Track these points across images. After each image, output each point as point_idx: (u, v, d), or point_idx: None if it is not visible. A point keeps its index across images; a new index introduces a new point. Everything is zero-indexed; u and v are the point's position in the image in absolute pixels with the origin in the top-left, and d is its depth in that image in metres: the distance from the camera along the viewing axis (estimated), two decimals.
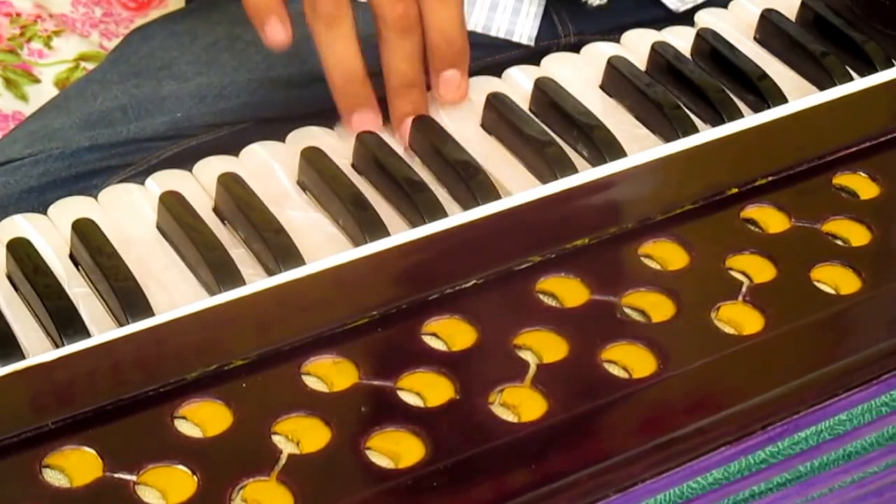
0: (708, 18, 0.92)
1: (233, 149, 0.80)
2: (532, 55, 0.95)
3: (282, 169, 0.78)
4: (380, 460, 0.59)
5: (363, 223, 0.72)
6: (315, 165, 0.76)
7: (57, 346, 0.66)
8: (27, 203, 0.91)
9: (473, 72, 0.88)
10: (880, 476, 0.64)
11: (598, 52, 0.89)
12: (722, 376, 0.64)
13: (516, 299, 0.67)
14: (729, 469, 0.60)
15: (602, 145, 0.79)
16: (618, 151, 0.78)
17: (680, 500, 0.59)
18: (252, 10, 0.79)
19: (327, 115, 0.82)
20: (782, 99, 0.83)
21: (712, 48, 0.87)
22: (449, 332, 0.65)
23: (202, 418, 0.60)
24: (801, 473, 0.61)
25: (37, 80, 1.38)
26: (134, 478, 0.58)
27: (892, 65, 0.87)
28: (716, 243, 0.70)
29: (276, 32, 0.79)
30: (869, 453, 0.63)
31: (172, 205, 0.73)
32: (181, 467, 0.58)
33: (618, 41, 0.91)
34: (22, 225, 0.74)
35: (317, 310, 0.66)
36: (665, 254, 0.69)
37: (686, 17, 0.96)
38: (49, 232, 0.73)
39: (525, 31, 1.01)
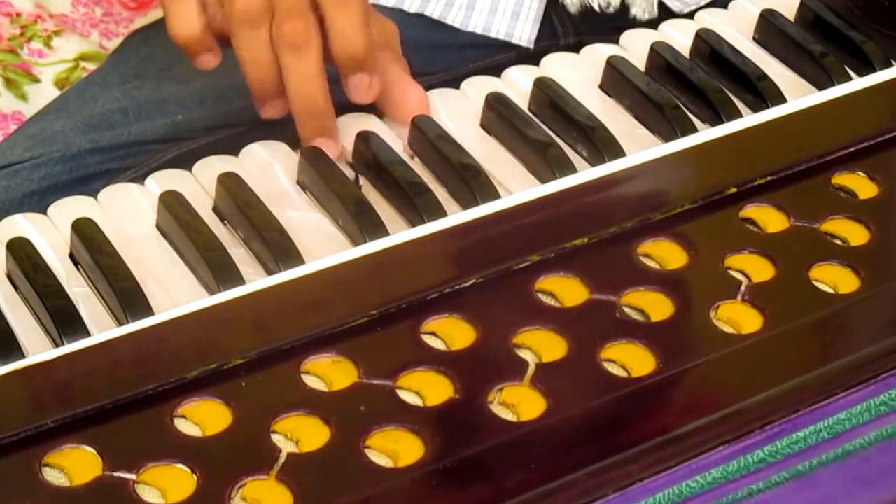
0: (707, 19, 0.92)
1: (234, 150, 0.80)
2: (531, 57, 0.96)
3: (281, 169, 0.78)
4: (379, 459, 0.59)
5: (363, 223, 0.73)
6: (315, 165, 0.76)
7: (57, 346, 0.66)
8: (28, 207, 0.91)
9: (472, 72, 0.88)
10: (878, 474, 0.64)
11: (598, 53, 0.89)
12: (720, 375, 0.64)
13: (516, 298, 0.67)
14: (727, 468, 0.60)
15: (601, 145, 0.79)
16: (617, 151, 0.78)
17: (679, 499, 0.59)
18: (182, 44, 0.80)
19: None
20: (781, 99, 0.83)
21: (711, 48, 0.88)
22: (448, 332, 0.65)
23: (202, 417, 0.60)
24: (798, 471, 0.61)
25: (37, 80, 1.38)
26: (133, 476, 0.58)
27: (891, 65, 0.87)
28: (715, 243, 0.70)
29: (208, 62, 0.80)
30: (866, 451, 0.63)
31: (172, 204, 0.73)
32: (181, 466, 0.58)
33: (617, 42, 0.91)
34: (22, 224, 0.74)
35: (316, 309, 0.66)
36: (664, 253, 0.70)
37: (688, 18, 0.96)
38: (49, 231, 0.74)
39: (524, 34, 1.01)
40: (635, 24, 0.98)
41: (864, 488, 0.62)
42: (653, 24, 0.93)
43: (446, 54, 1.02)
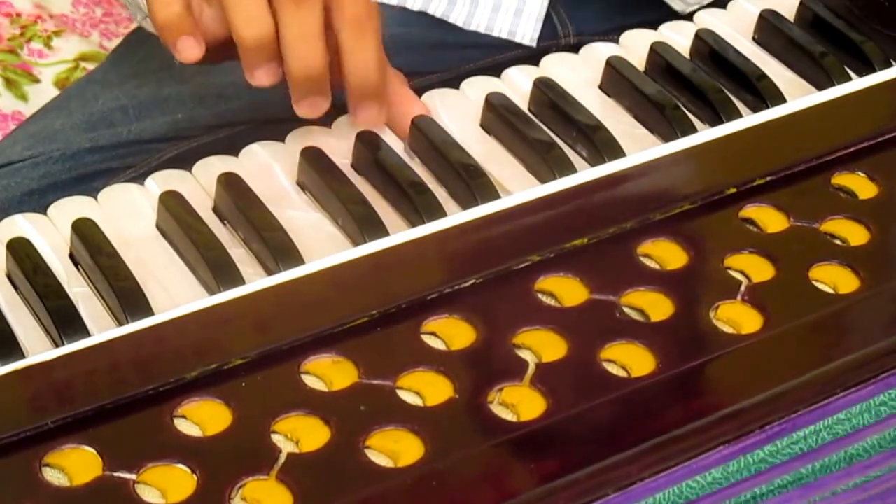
0: (707, 19, 0.92)
1: (234, 150, 0.80)
2: (531, 56, 0.96)
3: (281, 169, 0.78)
4: (379, 459, 0.59)
5: (363, 223, 0.73)
6: (315, 165, 0.76)
7: (57, 346, 0.66)
8: (28, 206, 0.91)
9: (473, 72, 0.88)
10: (883, 480, 0.64)
11: (597, 53, 0.89)
12: (720, 375, 0.64)
13: (515, 299, 0.67)
14: (728, 468, 0.60)
15: (601, 145, 0.79)
16: (617, 151, 0.78)
17: (679, 499, 0.59)
18: (162, 28, 0.76)
19: (327, 116, 0.82)
20: (781, 99, 0.83)
21: (711, 49, 0.88)
22: (448, 332, 0.65)
23: (202, 417, 0.60)
24: (802, 475, 0.61)
25: (37, 80, 1.38)
26: (134, 477, 0.58)
27: (891, 65, 0.87)
28: (715, 243, 0.70)
29: (188, 49, 0.76)
30: (871, 457, 0.63)
31: (172, 205, 0.73)
32: (181, 466, 0.58)
33: (617, 42, 0.91)
34: (22, 225, 0.74)
35: (316, 309, 0.66)
36: (664, 253, 0.70)
37: (688, 19, 0.96)
38: (49, 232, 0.74)
39: (527, 32, 1.01)
40: (636, 24, 0.98)
41: (865, 493, 0.62)
42: (653, 24, 0.93)
43: (448, 54, 1.02)
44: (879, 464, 0.63)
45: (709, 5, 0.98)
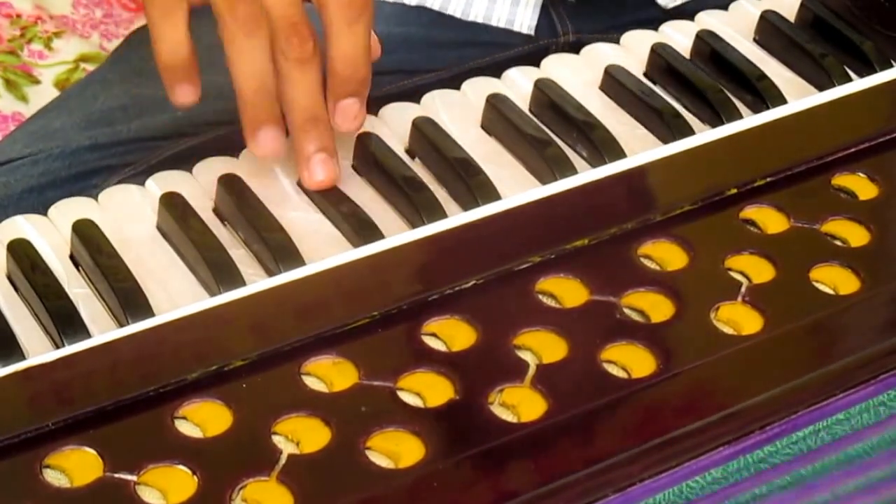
0: (708, 20, 0.92)
1: (233, 148, 0.80)
2: (531, 54, 0.96)
3: (282, 169, 0.78)
4: (380, 460, 0.59)
5: (363, 224, 0.73)
6: None
7: (57, 347, 0.66)
8: (27, 203, 0.91)
9: (473, 70, 0.88)
10: (885, 483, 0.64)
11: (598, 54, 0.89)
12: (721, 376, 0.64)
13: (516, 299, 0.67)
14: (728, 469, 0.60)
15: (601, 146, 0.79)
16: (617, 152, 0.78)
17: (679, 499, 0.59)
18: (164, 70, 0.76)
19: None
20: (781, 100, 0.83)
21: (712, 49, 0.88)
22: (449, 333, 0.65)
23: (202, 418, 0.60)
24: (801, 476, 0.61)
25: (37, 81, 1.38)
26: (134, 478, 0.58)
27: (891, 65, 0.87)
28: (715, 244, 0.70)
29: (186, 96, 0.76)
30: (871, 457, 0.63)
31: (173, 206, 0.74)
32: (181, 467, 0.58)
33: (616, 40, 0.91)
34: (22, 225, 0.74)
35: (317, 310, 0.66)
36: (664, 254, 0.70)
37: (680, 16, 0.96)
38: (49, 232, 0.74)
39: (525, 20, 1.01)
40: (633, 22, 0.98)
41: (868, 496, 0.62)
42: (652, 24, 0.93)
43: (446, 52, 1.02)
44: (880, 464, 0.63)
45: (707, 4, 0.98)
